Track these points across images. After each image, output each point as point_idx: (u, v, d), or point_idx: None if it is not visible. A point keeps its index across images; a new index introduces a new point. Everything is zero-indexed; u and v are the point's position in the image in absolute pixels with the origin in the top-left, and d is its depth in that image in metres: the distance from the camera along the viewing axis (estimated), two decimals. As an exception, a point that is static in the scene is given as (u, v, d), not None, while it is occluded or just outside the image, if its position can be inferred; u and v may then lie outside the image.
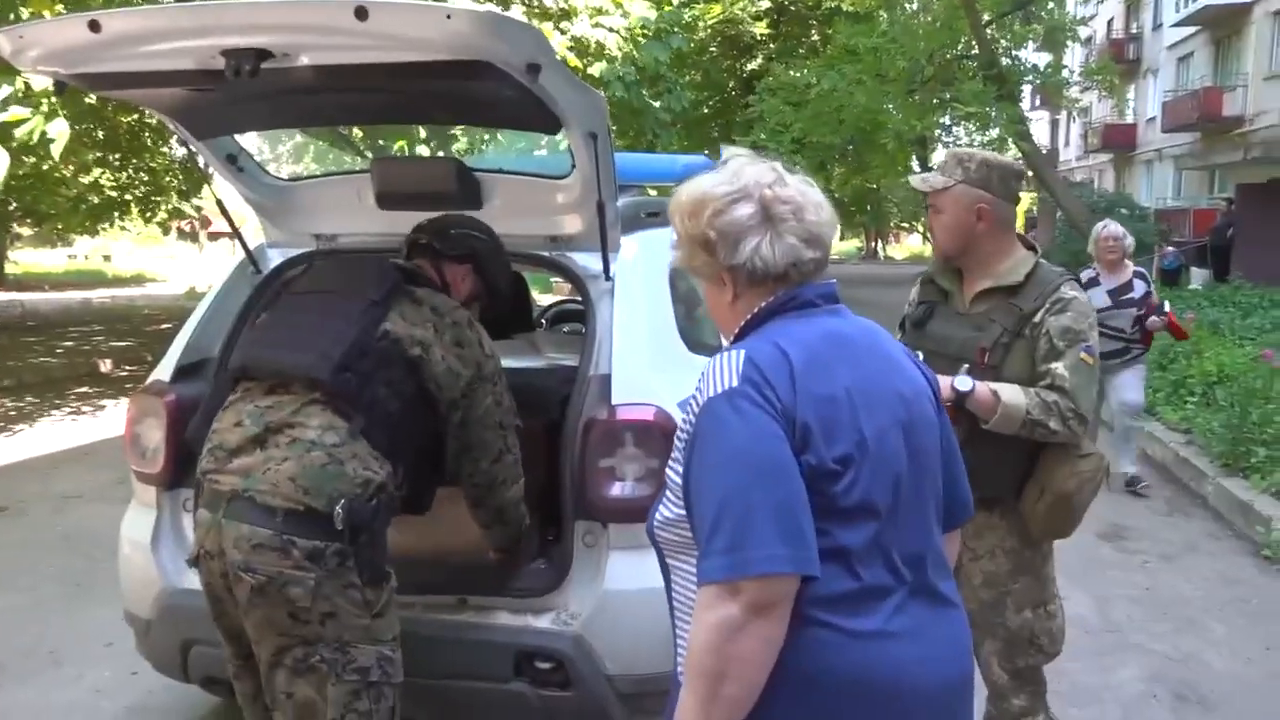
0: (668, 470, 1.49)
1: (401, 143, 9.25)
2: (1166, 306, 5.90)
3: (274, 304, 2.54)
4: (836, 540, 1.36)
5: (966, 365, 2.34)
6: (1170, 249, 17.96)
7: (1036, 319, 2.34)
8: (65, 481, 6.52)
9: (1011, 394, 2.28)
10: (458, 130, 9.49)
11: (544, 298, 8.44)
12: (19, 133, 5.33)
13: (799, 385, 1.37)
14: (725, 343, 1.58)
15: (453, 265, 2.53)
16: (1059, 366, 2.29)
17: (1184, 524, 5.66)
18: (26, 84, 5.24)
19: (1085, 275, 5.74)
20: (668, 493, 1.49)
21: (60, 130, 5.34)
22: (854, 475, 1.38)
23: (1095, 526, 5.48)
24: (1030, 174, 19.51)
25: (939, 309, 2.52)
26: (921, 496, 1.48)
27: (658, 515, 1.50)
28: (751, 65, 23.96)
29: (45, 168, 8.90)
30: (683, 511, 1.43)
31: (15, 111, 5.30)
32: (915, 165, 22.56)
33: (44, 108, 5.37)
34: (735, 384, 1.37)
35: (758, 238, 1.46)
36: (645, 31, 10.37)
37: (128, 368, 11.91)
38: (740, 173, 1.50)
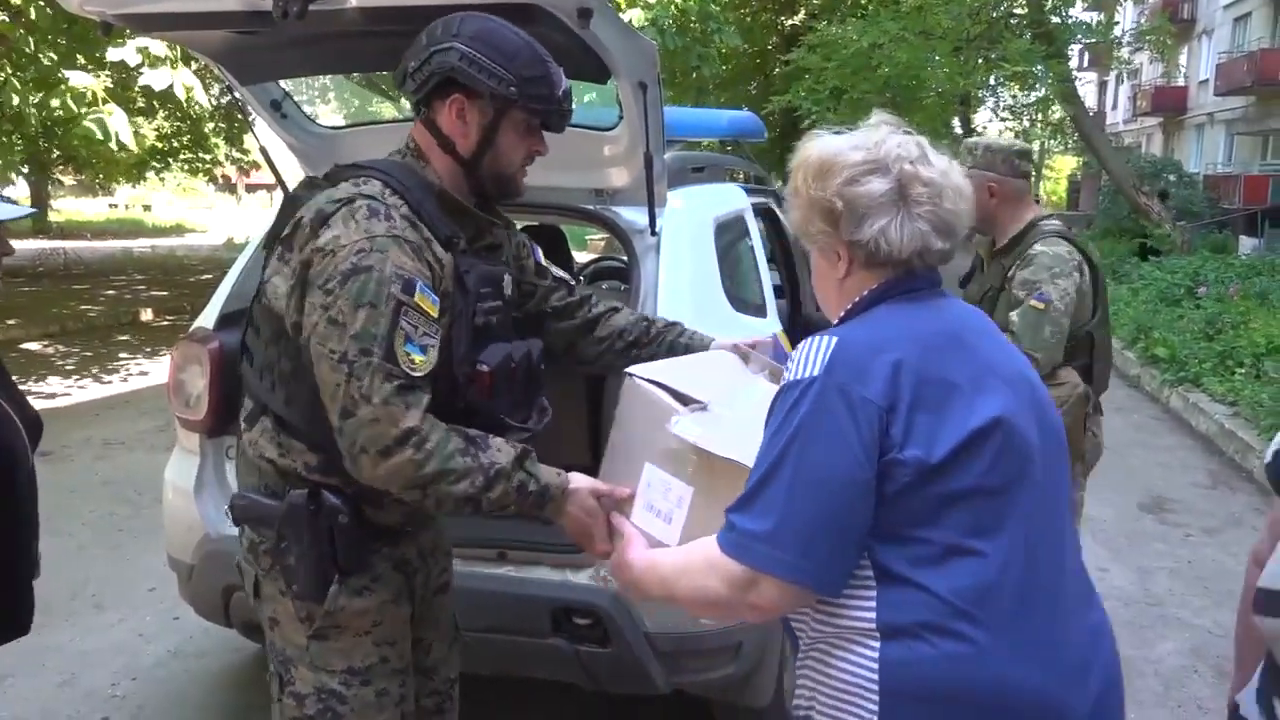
0: None
1: None
2: None
3: None
4: (959, 539, 1.25)
5: None
6: None
7: (1010, 273, 2.66)
8: (107, 428, 6.62)
9: None
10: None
11: (579, 255, 8.39)
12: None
13: (904, 375, 1.26)
14: (834, 321, 1.46)
15: (438, 109, 1.75)
16: (1014, 315, 2.59)
17: (1228, 497, 5.57)
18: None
19: None
20: None
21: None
22: (978, 461, 1.25)
23: (1137, 497, 5.41)
24: (1075, 136, 19.05)
25: (975, 275, 2.90)
26: (1054, 479, 1.36)
27: None
28: (793, 21, 23.50)
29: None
30: None
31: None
32: (957, 124, 22.07)
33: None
34: (816, 373, 1.27)
35: (887, 217, 1.34)
36: None
37: (168, 317, 12.07)
38: (882, 142, 1.37)
